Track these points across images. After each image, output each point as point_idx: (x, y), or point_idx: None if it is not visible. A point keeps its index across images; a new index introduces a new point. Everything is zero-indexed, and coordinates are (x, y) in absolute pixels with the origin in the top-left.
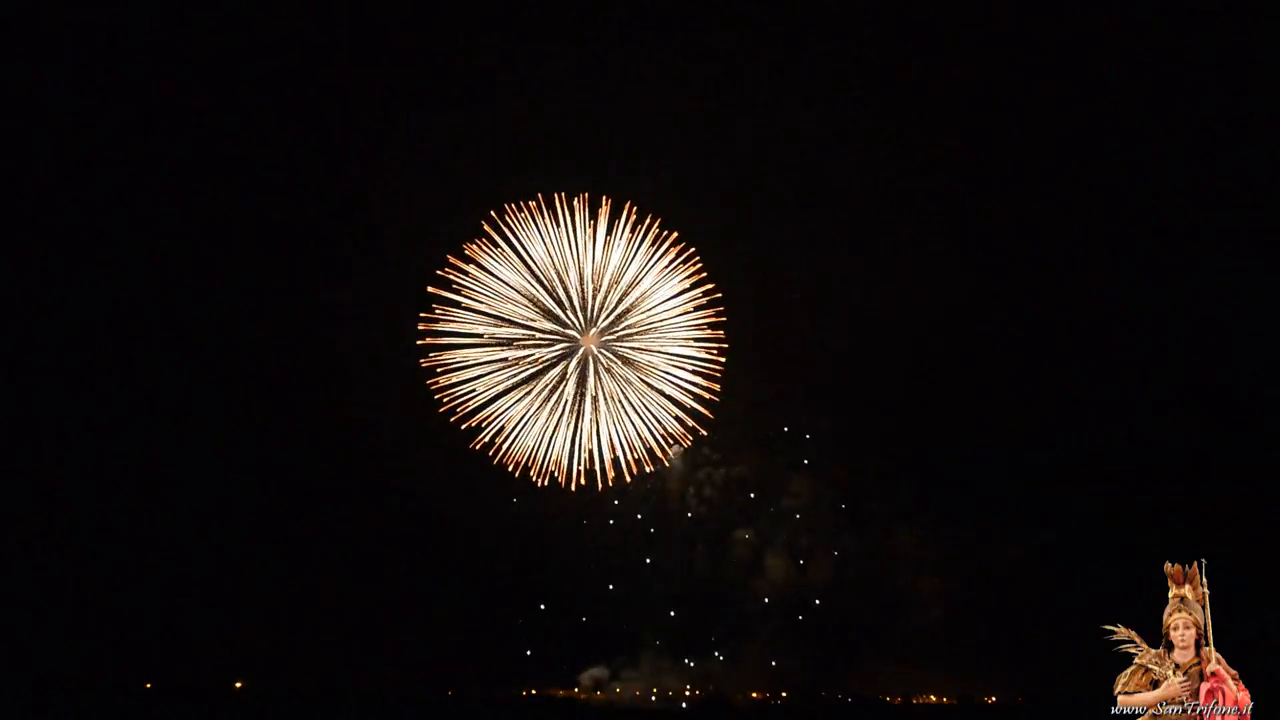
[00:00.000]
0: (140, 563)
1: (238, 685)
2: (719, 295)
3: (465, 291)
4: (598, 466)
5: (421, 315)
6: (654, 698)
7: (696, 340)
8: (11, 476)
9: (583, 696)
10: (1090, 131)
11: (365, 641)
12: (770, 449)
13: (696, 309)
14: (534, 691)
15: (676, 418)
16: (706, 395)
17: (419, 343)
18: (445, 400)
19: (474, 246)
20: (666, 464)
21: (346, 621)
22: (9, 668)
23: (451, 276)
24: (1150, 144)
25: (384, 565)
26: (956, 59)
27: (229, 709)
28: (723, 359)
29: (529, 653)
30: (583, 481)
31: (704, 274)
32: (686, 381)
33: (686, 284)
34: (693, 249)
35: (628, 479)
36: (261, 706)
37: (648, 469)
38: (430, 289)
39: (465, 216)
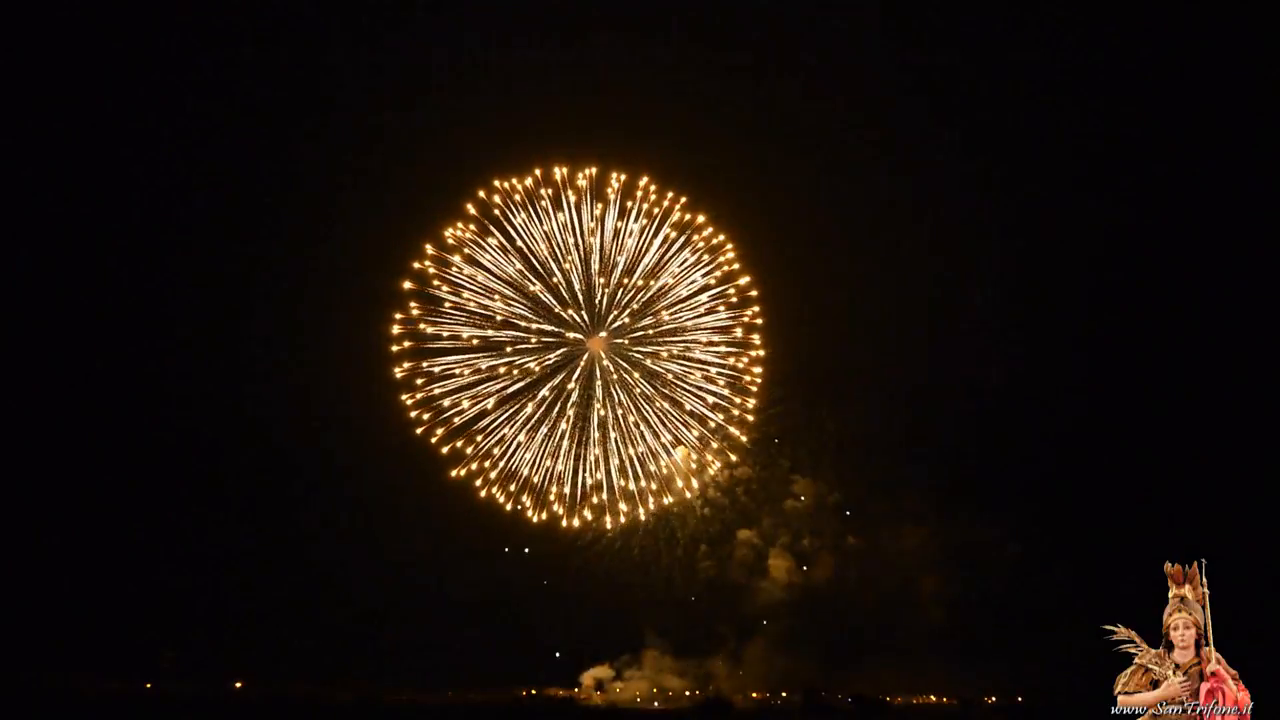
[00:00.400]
0: (140, 563)
1: (238, 685)
2: (753, 293)
3: (446, 286)
4: (606, 499)
5: (398, 315)
6: (656, 699)
7: (729, 345)
8: (11, 477)
9: (583, 696)
10: (1091, 126)
11: (365, 641)
12: (774, 451)
13: (729, 308)
14: (534, 691)
15: (700, 436)
16: (738, 412)
17: (394, 348)
18: (425, 419)
19: (457, 231)
20: (689, 494)
21: (346, 622)
22: (9, 668)
23: (430, 268)
24: (1156, 143)
25: (383, 565)
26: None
27: (229, 709)
28: (758, 369)
29: (556, 654)
30: (588, 517)
31: (735, 265)
32: (721, 397)
33: (715, 277)
34: (723, 236)
35: (643, 516)
36: (261, 706)
37: (667, 500)
38: (405, 284)
39: (447, 196)
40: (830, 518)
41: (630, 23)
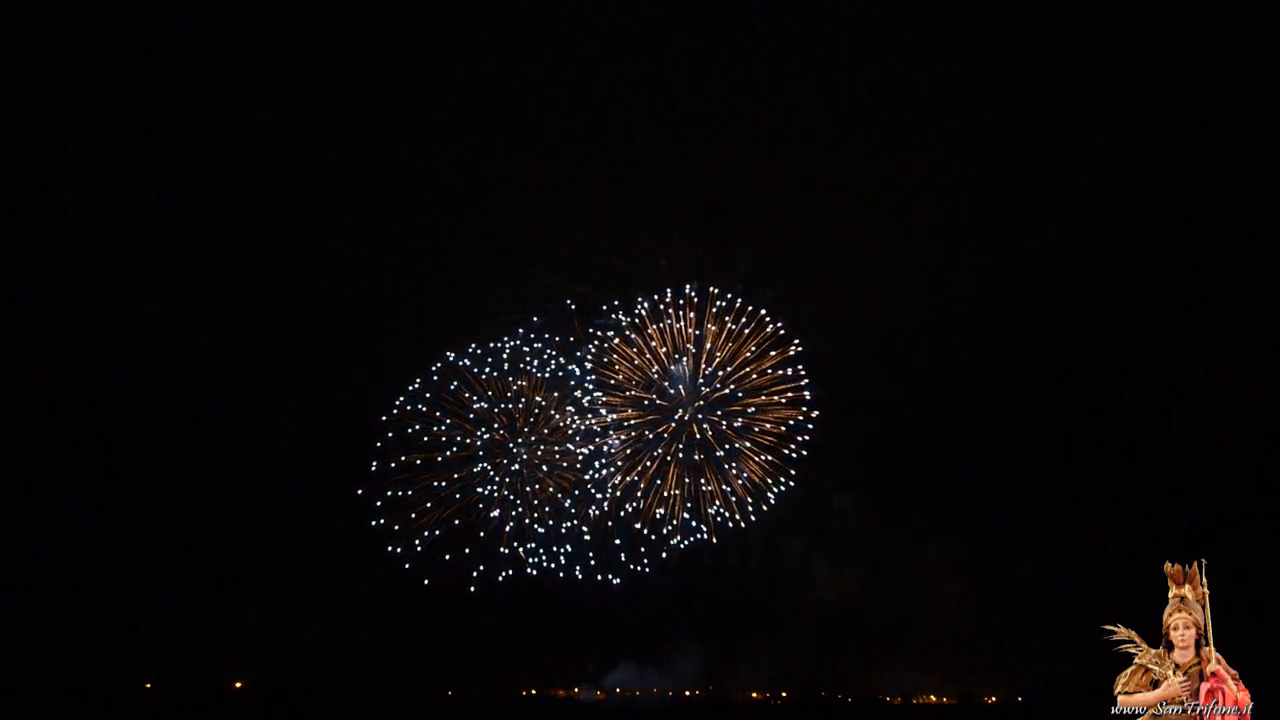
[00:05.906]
0: (139, 563)
1: (238, 685)
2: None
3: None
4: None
5: None
6: (656, 698)
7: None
8: (12, 476)
9: (583, 696)
10: (1096, 133)
11: (365, 641)
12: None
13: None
14: (534, 691)
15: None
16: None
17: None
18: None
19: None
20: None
21: (346, 621)
22: (9, 668)
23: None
24: (1153, 142)
25: (384, 565)
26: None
27: (229, 709)
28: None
29: (557, 653)
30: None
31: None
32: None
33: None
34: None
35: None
36: (261, 706)
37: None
38: None
39: None
40: (836, 523)
41: None
